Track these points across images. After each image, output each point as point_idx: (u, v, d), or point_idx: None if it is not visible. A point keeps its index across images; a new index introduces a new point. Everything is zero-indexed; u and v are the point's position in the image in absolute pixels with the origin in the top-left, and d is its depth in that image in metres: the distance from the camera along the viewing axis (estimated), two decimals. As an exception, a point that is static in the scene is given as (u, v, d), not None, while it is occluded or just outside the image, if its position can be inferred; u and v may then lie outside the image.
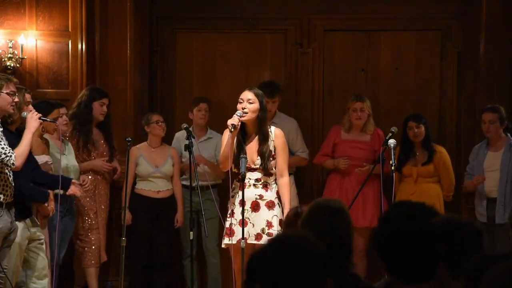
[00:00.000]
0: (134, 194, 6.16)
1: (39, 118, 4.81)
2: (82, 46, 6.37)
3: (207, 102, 6.39)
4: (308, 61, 6.79)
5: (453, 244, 2.71)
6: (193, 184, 5.45)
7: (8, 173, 4.65)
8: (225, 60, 6.89)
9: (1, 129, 4.65)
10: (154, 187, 6.22)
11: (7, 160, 4.53)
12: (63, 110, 5.65)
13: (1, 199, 4.61)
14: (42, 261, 5.02)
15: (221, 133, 6.34)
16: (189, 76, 6.93)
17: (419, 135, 6.13)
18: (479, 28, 6.47)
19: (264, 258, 1.98)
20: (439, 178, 6.17)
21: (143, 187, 6.22)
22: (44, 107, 5.40)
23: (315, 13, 6.81)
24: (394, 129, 5.54)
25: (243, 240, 4.81)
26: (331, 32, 6.84)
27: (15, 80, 4.84)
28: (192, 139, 6.14)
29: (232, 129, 4.89)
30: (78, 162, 5.86)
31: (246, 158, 4.86)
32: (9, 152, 4.54)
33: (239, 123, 4.95)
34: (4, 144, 4.55)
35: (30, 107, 5.06)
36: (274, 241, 2.05)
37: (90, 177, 6.01)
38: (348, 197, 5.92)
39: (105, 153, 6.09)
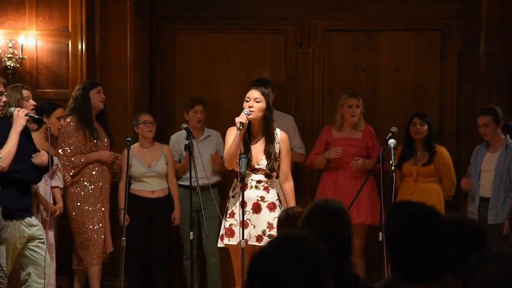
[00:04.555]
0: (129, 195, 6.14)
1: (26, 115, 4.74)
2: (82, 46, 6.37)
3: (202, 103, 6.38)
4: (308, 61, 6.79)
5: (456, 244, 2.70)
6: (193, 184, 5.43)
7: None
8: (225, 60, 6.89)
9: None
10: (148, 187, 6.22)
11: None
12: (62, 111, 5.65)
13: None
14: (43, 259, 4.99)
15: (219, 131, 6.37)
16: (189, 76, 6.93)
17: (421, 133, 6.14)
18: (479, 28, 6.48)
19: (264, 258, 1.98)
20: (440, 178, 6.18)
21: (137, 188, 6.22)
22: (47, 106, 5.43)
23: (315, 13, 6.81)
24: (394, 129, 5.54)
25: (243, 241, 4.81)
26: (331, 32, 6.84)
27: (2, 79, 4.82)
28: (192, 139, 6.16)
29: (240, 127, 4.87)
30: (85, 153, 5.89)
31: (246, 158, 4.85)
32: None
33: (247, 122, 4.94)
34: None
35: (31, 101, 5.03)
36: (275, 241, 2.05)
37: (96, 169, 6.00)
38: (343, 194, 5.94)
39: (106, 144, 6.09)
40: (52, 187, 5.49)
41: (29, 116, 4.83)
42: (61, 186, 5.56)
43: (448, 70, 6.73)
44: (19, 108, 4.79)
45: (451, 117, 6.73)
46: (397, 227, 2.46)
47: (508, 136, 5.95)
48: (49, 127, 5.29)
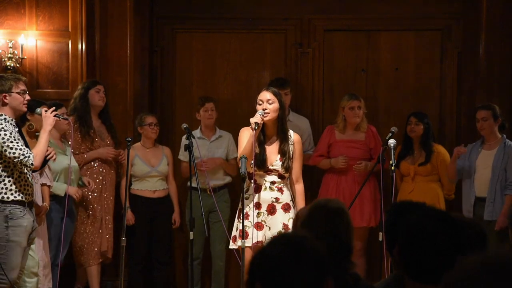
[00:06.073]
0: (130, 195, 6.15)
1: (54, 116, 4.81)
2: (82, 46, 6.37)
3: (213, 101, 6.38)
4: (308, 61, 6.79)
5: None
6: (200, 186, 5.42)
7: (28, 173, 4.68)
8: (225, 60, 6.89)
9: (17, 129, 4.67)
10: (150, 187, 6.22)
11: (26, 161, 4.55)
12: (64, 110, 5.66)
13: (23, 199, 4.65)
14: (31, 260, 5.00)
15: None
16: (189, 76, 6.93)
17: (416, 132, 6.14)
18: (479, 28, 6.48)
19: (264, 258, 1.98)
20: (438, 177, 6.17)
21: (139, 187, 6.22)
22: (51, 105, 5.44)
23: (315, 13, 6.80)
24: (394, 129, 5.54)
25: (242, 241, 4.81)
26: (331, 32, 6.84)
27: (24, 78, 4.85)
28: (202, 139, 6.18)
29: (256, 128, 4.85)
30: (83, 153, 5.94)
31: (246, 158, 4.85)
32: (27, 153, 4.56)
33: (262, 122, 4.93)
34: (22, 145, 4.57)
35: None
36: (275, 241, 2.05)
37: (94, 170, 6.01)
38: (345, 197, 5.93)
39: (109, 143, 6.12)
40: (41, 185, 5.48)
41: (57, 117, 4.88)
42: (49, 184, 5.53)
43: (448, 70, 6.73)
44: (46, 108, 4.85)
45: (451, 117, 6.73)
46: (399, 226, 2.44)
47: (504, 136, 5.96)
48: (32, 124, 5.27)
